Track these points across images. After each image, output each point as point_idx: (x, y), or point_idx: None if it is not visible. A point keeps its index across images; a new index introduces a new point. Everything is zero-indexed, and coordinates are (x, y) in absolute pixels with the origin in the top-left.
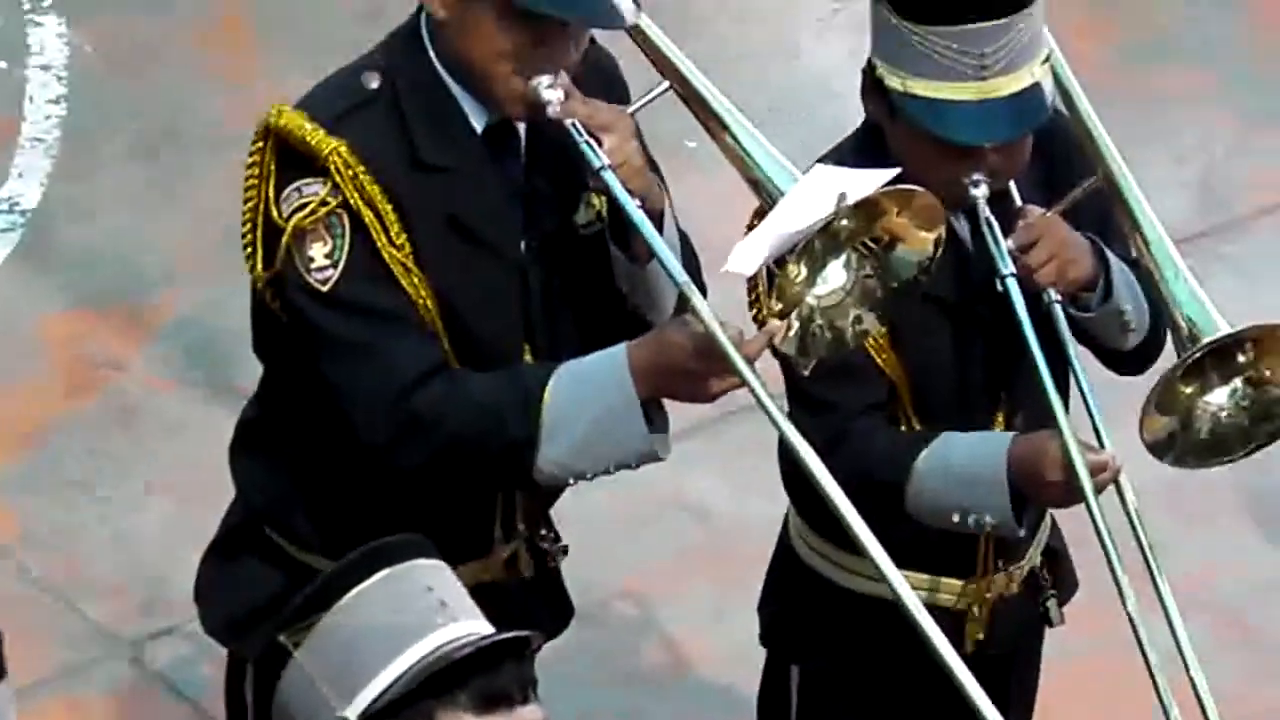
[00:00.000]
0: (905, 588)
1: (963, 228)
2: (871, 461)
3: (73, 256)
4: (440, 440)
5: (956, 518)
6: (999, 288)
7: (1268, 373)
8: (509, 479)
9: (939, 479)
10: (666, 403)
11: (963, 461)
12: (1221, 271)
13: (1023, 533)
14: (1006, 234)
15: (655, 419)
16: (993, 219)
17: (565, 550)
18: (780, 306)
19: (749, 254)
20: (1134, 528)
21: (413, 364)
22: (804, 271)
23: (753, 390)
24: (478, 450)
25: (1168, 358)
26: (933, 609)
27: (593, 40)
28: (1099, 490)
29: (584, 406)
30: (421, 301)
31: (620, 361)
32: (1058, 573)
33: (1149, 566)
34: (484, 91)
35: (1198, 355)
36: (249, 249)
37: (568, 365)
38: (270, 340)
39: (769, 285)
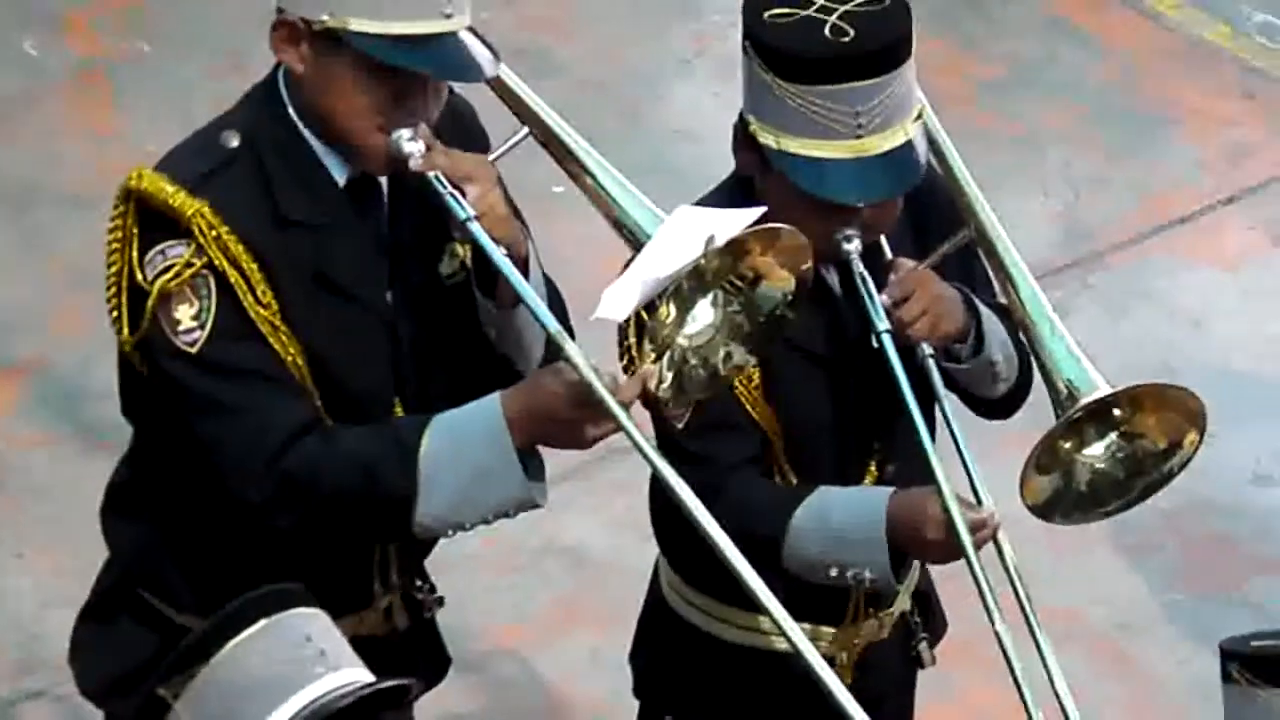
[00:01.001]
0: (795, 630)
1: (834, 280)
2: (748, 516)
3: None
4: (316, 498)
5: (834, 572)
6: (874, 344)
7: (1142, 428)
8: (386, 534)
9: (816, 535)
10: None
11: (840, 519)
12: (1088, 303)
13: (899, 586)
14: (879, 286)
15: (531, 466)
16: (866, 274)
17: (441, 601)
18: (653, 349)
19: (619, 300)
20: (1013, 583)
21: (284, 422)
22: (674, 312)
23: (630, 436)
24: (354, 507)
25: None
26: None
27: (451, 89)
28: (979, 547)
29: (460, 458)
30: (290, 358)
31: (495, 411)
32: (928, 615)
33: (1029, 622)
34: (345, 146)
35: (1077, 416)
36: (114, 313)
37: (442, 417)
38: (139, 402)
39: (638, 330)
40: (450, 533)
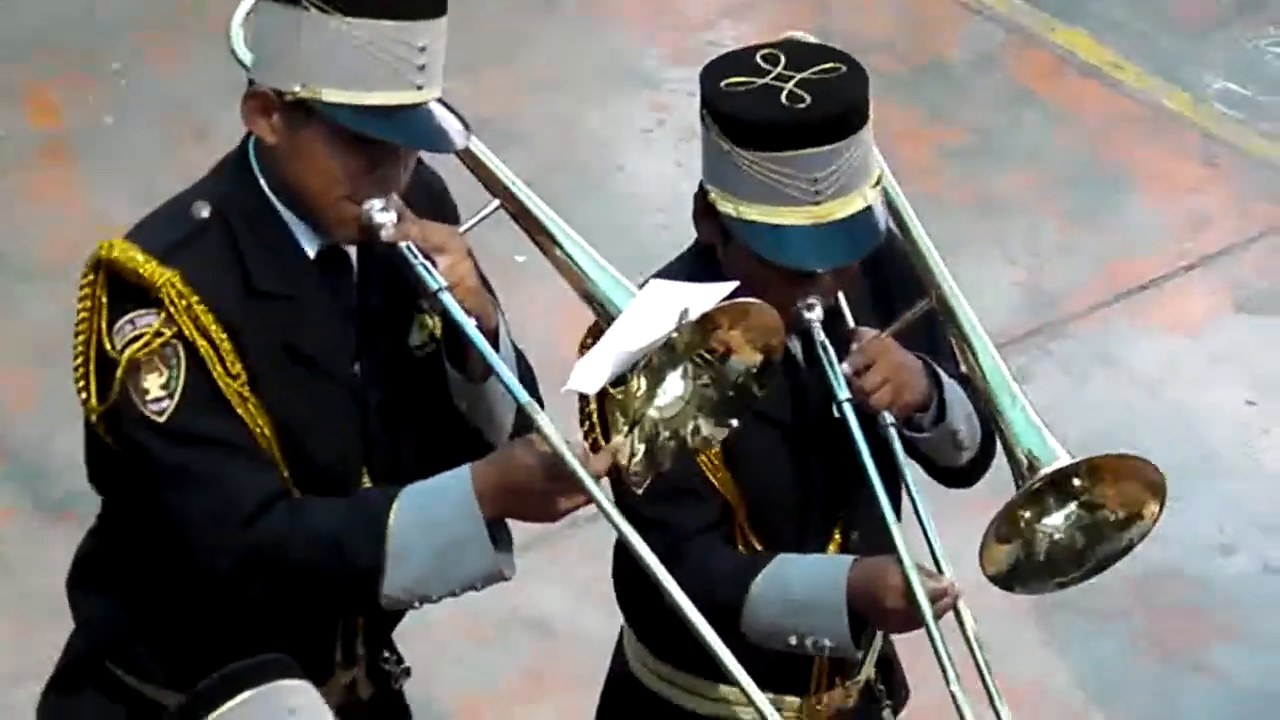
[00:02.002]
0: (762, 699)
1: (796, 349)
2: (708, 582)
3: None
4: (283, 571)
5: (794, 640)
6: (835, 413)
7: (1102, 498)
8: (354, 606)
9: (776, 603)
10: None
11: (801, 587)
12: (1050, 369)
13: (860, 655)
14: (840, 355)
15: (499, 538)
16: (828, 343)
17: (408, 672)
18: (625, 422)
19: (591, 373)
20: (973, 653)
21: (252, 494)
22: (644, 385)
23: (604, 510)
24: (322, 579)
25: (995, 470)
26: None
27: (420, 159)
28: (939, 616)
29: (430, 531)
30: (259, 430)
31: (465, 484)
32: (891, 683)
33: (988, 690)
34: (315, 216)
35: (1037, 485)
36: (81, 382)
37: (411, 489)
38: (106, 472)
39: (600, 404)
40: (417, 604)
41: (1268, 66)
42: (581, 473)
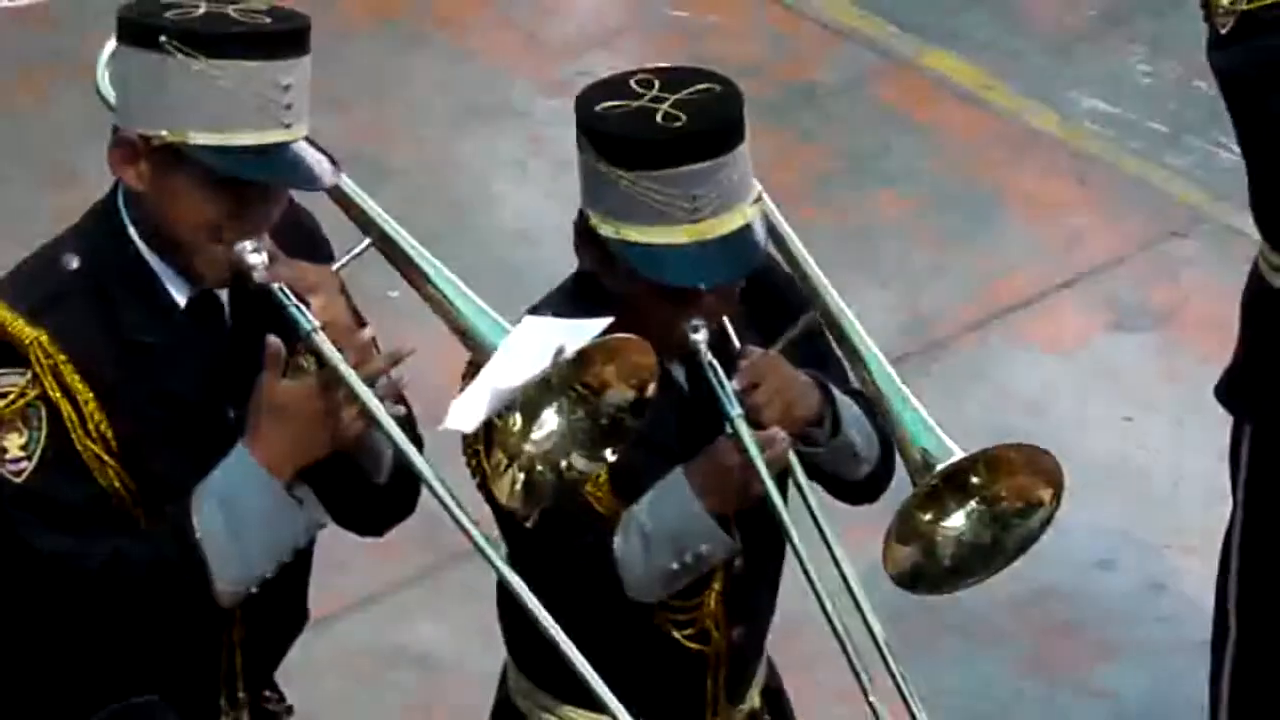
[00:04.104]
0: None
1: (680, 373)
2: (580, 566)
3: None
4: (134, 611)
5: (676, 566)
6: (727, 430)
7: (1002, 491)
8: (207, 619)
9: (637, 545)
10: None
11: (651, 515)
12: (929, 390)
13: (739, 546)
14: (729, 376)
15: (296, 491)
16: (715, 363)
17: (291, 710)
18: (503, 458)
19: (468, 410)
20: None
21: (97, 556)
22: (520, 421)
23: (375, 416)
24: (161, 607)
25: (896, 487)
26: None
27: (291, 198)
28: (774, 463)
29: (236, 521)
30: (119, 488)
31: (249, 461)
32: (778, 713)
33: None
34: (185, 261)
35: (934, 483)
36: None
37: (201, 489)
38: None
39: (486, 437)
40: (255, 588)
41: (1136, 84)
42: (352, 377)
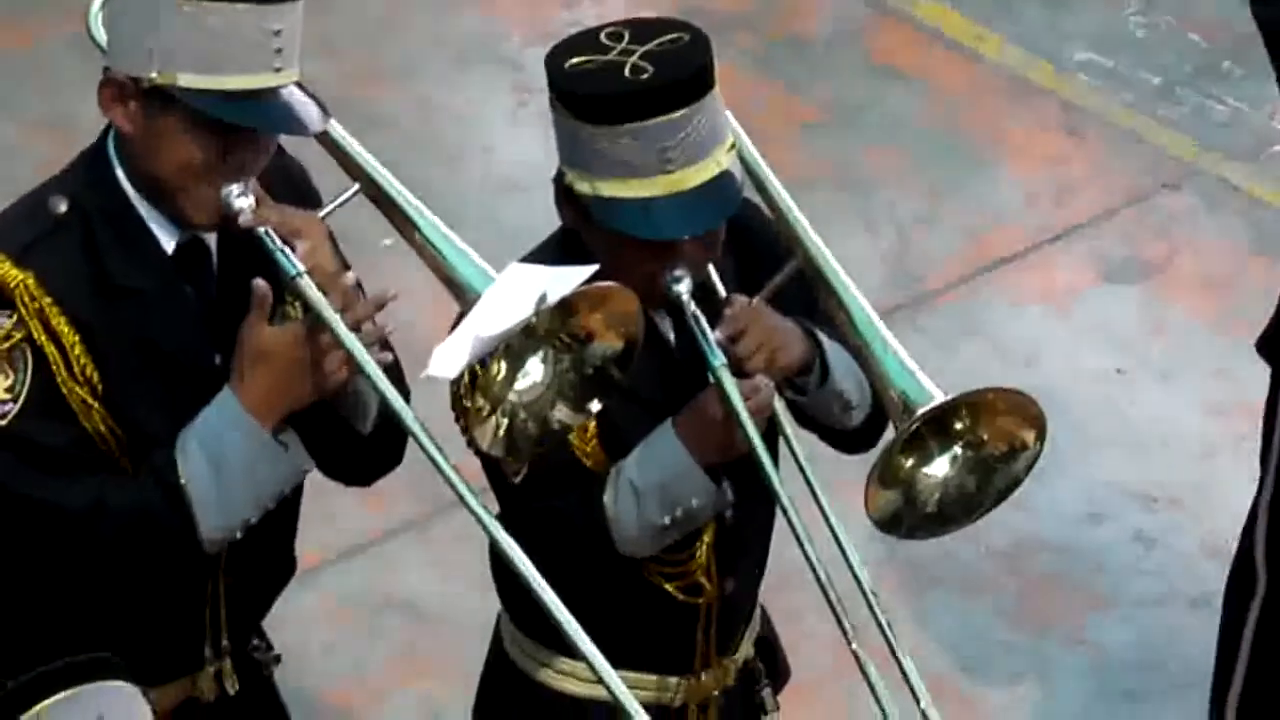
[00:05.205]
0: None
1: (666, 327)
2: (569, 522)
3: None
4: (117, 561)
5: (667, 520)
6: (710, 379)
7: (985, 435)
8: (191, 565)
9: (631, 502)
10: (364, 503)
11: (640, 470)
12: (919, 343)
13: (731, 496)
14: (714, 327)
15: (281, 437)
16: (699, 313)
17: (278, 659)
18: (485, 405)
19: (450, 357)
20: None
21: (80, 503)
22: (505, 369)
23: (360, 361)
24: (146, 553)
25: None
26: (656, 707)
27: (280, 146)
28: (758, 410)
29: (221, 467)
30: (105, 432)
31: (235, 407)
32: (771, 662)
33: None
34: (173, 206)
35: (915, 427)
36: None
37: (186, 435)
38: None
39: (470, 385)
40: (239, 534)
41: (1130, 36)
42: (337, 323)
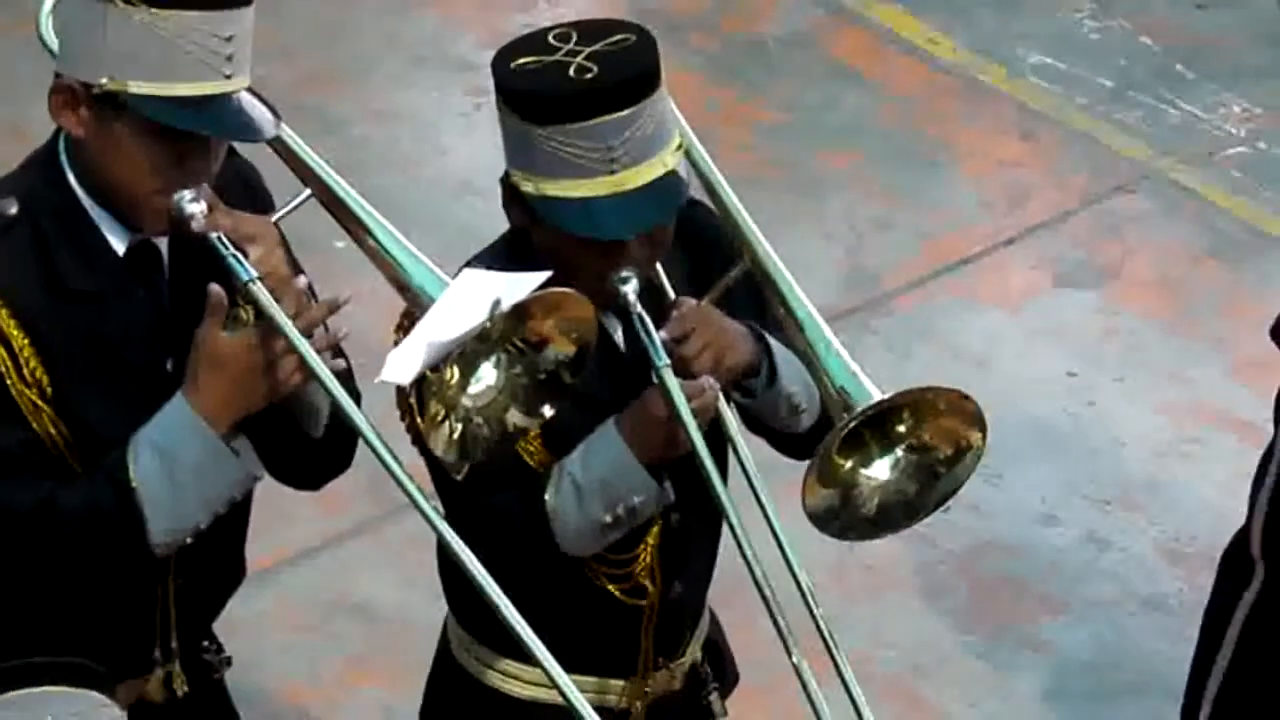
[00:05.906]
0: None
1: (614, 327)
2: (512, 525)
3: None
4: (66, 564)
5: (609, 518)
6: (654, 380)
7: (929, 437)
8: (141, 569)
9: (573, 498)
10: (318, 505)
11: (583, 468)
12: (874, 346)
13: (672, 496)
14: (661, 328)
15: (233, 443)
16: (645, 314)
17: (229, 661)
18: (439, 410)
19: (404, 363)
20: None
21: (30, 503)
22: (457, 374)
23: (314, 369)
24: (95, 555)
25: None
26: (599, 710)
27: (233, 150)
28: (702, 411)
29: (173, 470)
30: (53, 435)
31: (186, 411)
32: (718, 666)
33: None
34: (125, 210)
35: (853, 425)
36: None
37: (139, 437)
38: None
39: (419, 391)
40: (189, 539)
41: (1084, 40)
42: (289, 328)
